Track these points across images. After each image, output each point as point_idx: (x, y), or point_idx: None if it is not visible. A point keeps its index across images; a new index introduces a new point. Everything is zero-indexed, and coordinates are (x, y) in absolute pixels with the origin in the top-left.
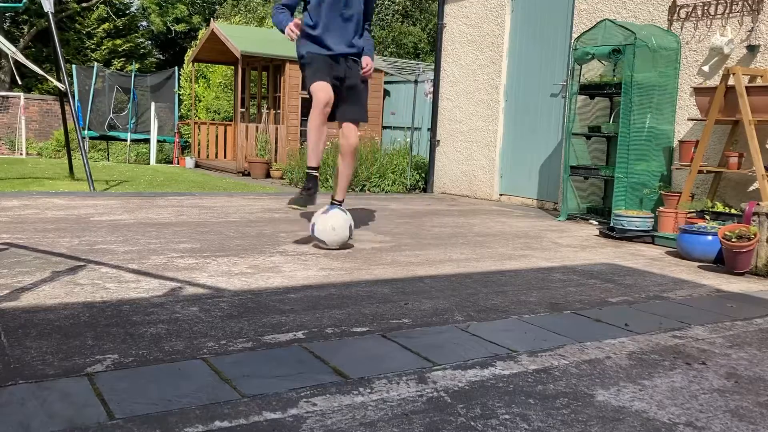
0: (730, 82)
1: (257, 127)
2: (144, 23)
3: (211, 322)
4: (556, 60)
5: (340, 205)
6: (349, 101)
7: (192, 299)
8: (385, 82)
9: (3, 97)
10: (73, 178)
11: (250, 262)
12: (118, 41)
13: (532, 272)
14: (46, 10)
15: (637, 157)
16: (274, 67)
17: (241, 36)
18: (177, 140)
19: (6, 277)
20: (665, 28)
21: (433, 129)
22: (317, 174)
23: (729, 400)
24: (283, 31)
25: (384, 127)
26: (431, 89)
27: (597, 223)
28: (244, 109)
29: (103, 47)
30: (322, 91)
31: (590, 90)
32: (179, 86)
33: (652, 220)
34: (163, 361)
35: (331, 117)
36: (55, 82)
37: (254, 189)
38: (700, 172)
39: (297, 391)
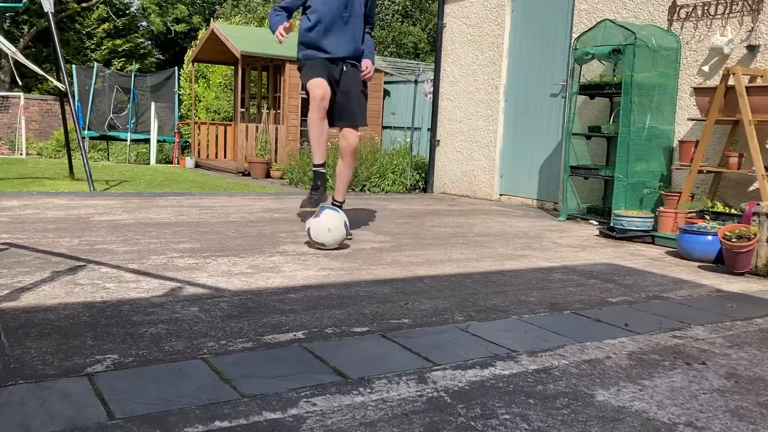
0: (730, 82)
1: (257, 127)
2: (144, 23)
3: (211, 322)
4: (556, 60)
5: (341, 206)
6: (348, 106)
7: (192, 299)
8: (385, 82)
9: (3, 97)
10: (73, 178)
11: (250, 262)
12: (118, 41)
13: (532, 272)
14: (46, 10)
15: (637, 157)
16: (274, 67)
17: (241, 36)
18: (177, 140)
19: (6, 277)
20: (665, 28)
21: (433, 129)
22: (323, 170)
23: (729, 400)
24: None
25: (384, 127)
26: (431, 89)
27: (597, 223)
28: (244, 109)
29: (103, 47)
30: (318, 87)
31: (590, 90)
32: (179, 86)
33: (652, 220)
34: (163, 361)
35: (330, 123)
36: (55, 82)
37: (254, 189)
38: (700, 172)
39: (297, 391)
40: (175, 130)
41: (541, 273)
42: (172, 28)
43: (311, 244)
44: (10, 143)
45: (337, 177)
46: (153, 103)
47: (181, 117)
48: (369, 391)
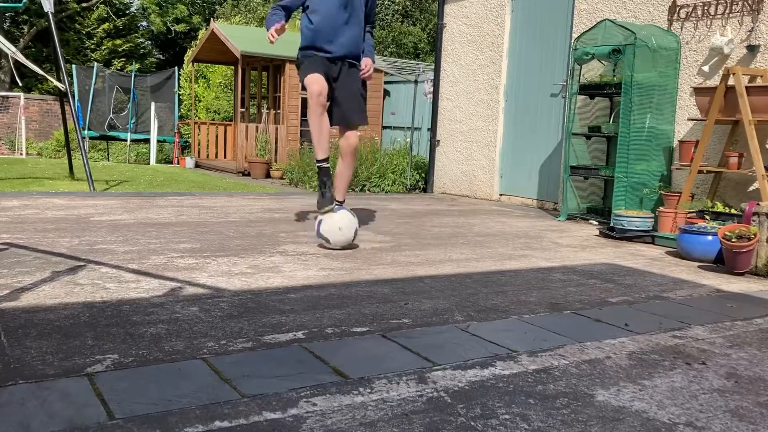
0: (730, 82)
1: (257, 127)
2: (144, 23)
3: (211, 322)
4: (556, 60)
5: (341, 206)
6: (347, 105)
7: (192, 299)
8: (385, 82)
9: (3, 97)
10: (73, 178)
11: (250, 262)
12: (118, 41)
13: (532, 272)
14: (46, 10)
15: (637, 157)
16: (274, 67)
17: (241, 36)
18: (177, 140)
19: (6, 277)
20: (665, 28)
21: (433, 129)
22: (327, 165)
23: (729, 400)
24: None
25: (384, 127)
26: (431, 89)
27: (597, 223)
28: (244, 109)
29: (103, 47)
30: (315, 83)
31: (590, 90)
32: (179, 86)
33: (652, 220)
34: (163, 361)
35: (330, 122)
36: (55, 82)
37: (254, 189)
38: (700, 172)
39: (297, 391)
40: (175, 130)
41: (541, 273)
42: (172, 28)
43: (316, 237)
44: (10, 143)
45: (337, 177)
46: (153, 103)
47: (181, 117)
48: (369, 391)
